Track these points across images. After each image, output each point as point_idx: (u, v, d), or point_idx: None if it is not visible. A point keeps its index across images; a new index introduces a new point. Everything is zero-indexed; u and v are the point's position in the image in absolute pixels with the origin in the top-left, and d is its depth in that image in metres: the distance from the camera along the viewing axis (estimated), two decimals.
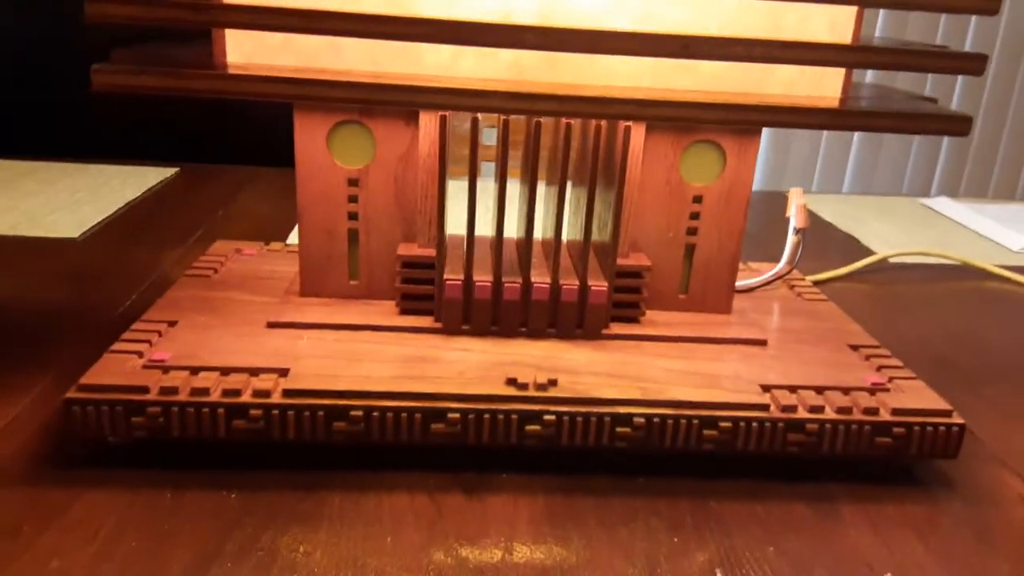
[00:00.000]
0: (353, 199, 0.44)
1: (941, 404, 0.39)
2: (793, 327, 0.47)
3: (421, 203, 0.43)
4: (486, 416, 0.36)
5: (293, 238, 0.68)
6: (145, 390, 0.36)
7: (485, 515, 0.34)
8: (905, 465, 0.40)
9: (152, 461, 0.36)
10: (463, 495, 0.36)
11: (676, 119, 0.38)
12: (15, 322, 0.50)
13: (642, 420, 0.37)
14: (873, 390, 0.39)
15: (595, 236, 0.43)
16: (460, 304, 0.42)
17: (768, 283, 0.51)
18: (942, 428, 0.38)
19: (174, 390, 0.36)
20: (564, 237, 0.43)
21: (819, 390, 0.39)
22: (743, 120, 0.39)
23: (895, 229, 0.82)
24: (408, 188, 0.44)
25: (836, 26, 0.41)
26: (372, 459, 0.37)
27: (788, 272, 0.51)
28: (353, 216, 0.44)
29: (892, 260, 0.72)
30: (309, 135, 0.42)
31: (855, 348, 0.44)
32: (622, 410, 0.37)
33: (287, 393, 0.36)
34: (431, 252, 0.43)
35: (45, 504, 0.33)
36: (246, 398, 0.36)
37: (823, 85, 0.42)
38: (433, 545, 0.32)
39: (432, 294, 0.43)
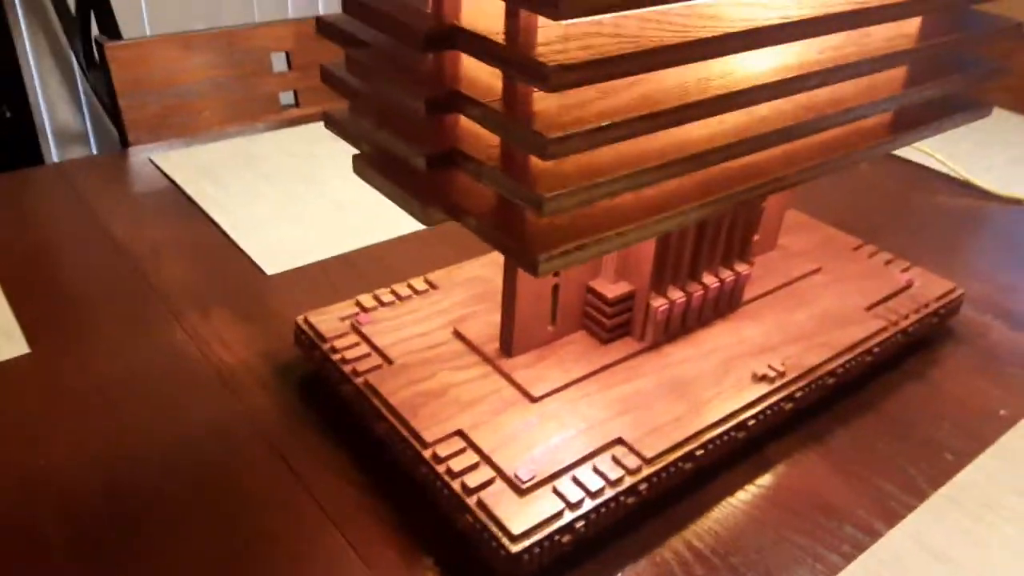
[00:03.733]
0: None
1: (949, 284, 0.58)
2: (806, 247, 0.62)
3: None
4: (768, 412, 0.47)
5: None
6: (561, 515, 0.39)
7: (797, 475, 0.46)
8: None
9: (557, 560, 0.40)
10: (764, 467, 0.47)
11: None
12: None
13: (851, 364, 0.50)
14: (907, 286, 0.58)
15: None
16: (666, 322, 0.49)
17: None
18: (954, 300, 0.57)
19: (580, 503, 0.40)
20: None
21: (887, 299, 0.56)
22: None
23: None
24: None
25: None
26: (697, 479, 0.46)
27: None
28: (556, 273, 0.47)
29: None
30: None
31: (856, 249, 0.61)
32: (832, 366, 0.50)
33: (650, 461, 0.42)
34: (629, 288, 0.49)
35: None
36: (632, 479, 0.41)
37: None
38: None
39: (627, 321, 0.49)
